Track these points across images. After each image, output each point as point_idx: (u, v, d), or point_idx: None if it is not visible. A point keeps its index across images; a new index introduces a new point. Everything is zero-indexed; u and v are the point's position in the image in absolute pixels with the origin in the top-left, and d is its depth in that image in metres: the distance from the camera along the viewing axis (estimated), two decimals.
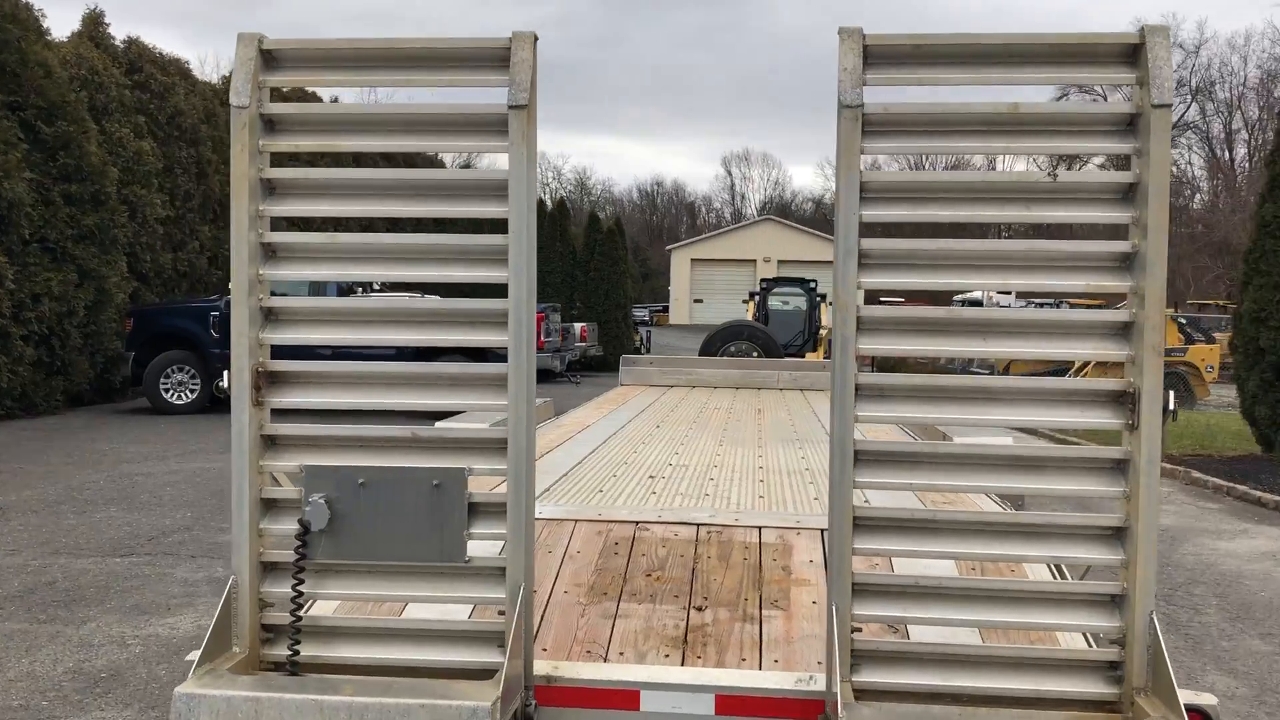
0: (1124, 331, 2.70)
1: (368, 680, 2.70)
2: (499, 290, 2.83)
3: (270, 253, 2.87)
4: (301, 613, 2.83)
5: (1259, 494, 10.90)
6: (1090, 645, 2.98)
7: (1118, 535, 2.72)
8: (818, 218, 73.25)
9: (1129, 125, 2.70)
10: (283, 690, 2.59)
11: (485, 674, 2.84)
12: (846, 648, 2.70)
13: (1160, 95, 2.59)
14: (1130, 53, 2.68)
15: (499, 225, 2.80)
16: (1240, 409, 13.99)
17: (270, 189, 2.86)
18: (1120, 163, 2.74)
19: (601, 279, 33.77)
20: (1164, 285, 2.62)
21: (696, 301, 61.73)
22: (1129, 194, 2.69)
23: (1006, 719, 2.64)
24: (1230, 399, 26.89)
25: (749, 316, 22.51)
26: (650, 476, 4.76)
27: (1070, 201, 2.73)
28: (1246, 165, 54.85)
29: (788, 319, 20.94)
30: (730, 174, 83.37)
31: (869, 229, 2.70)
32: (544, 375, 17.72)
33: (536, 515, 3.08)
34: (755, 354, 14.32)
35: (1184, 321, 28.74)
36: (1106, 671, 2.73)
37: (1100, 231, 2.68)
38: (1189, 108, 57.92)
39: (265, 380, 2.86)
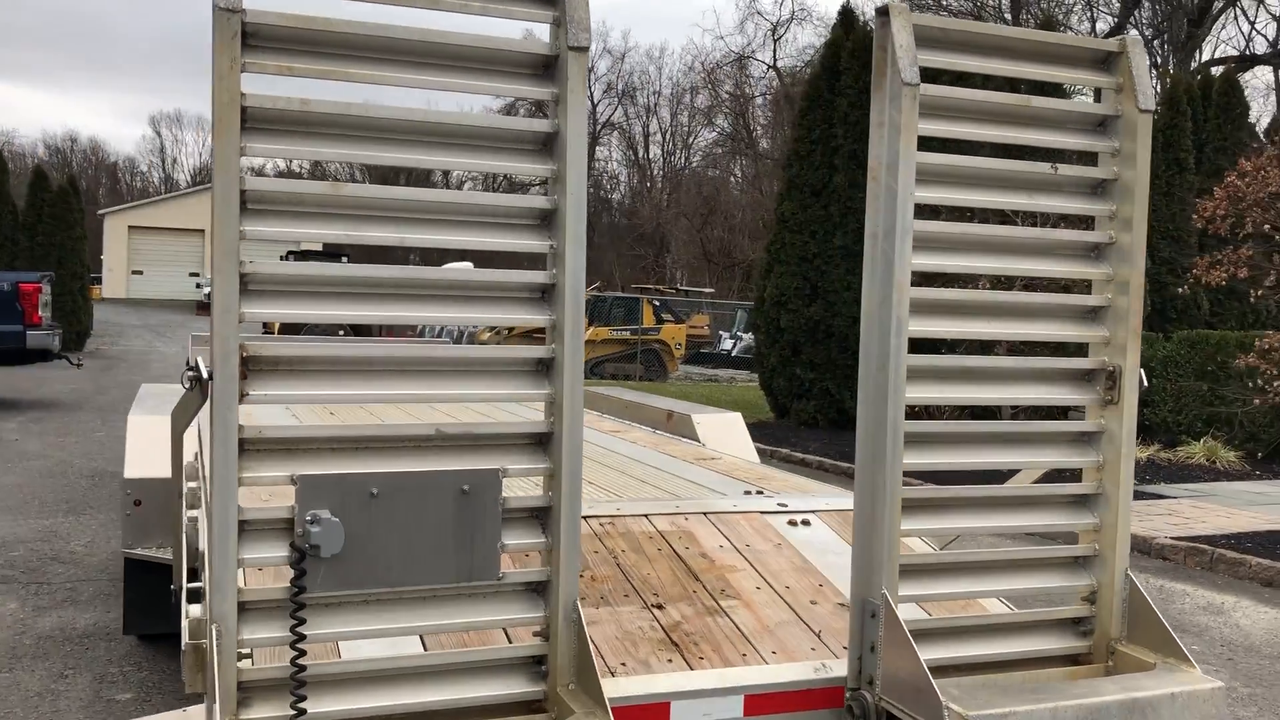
0: (1097, 314, 2.94)
1: None
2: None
3: (247, 204, 2.23)
4: (304, 662, 2.24)
5: (801, 455, 12.35)
6: (1009, 609, 3.22)
7: (1085, 501, 2.97)
8: None
9: (1100, 125, 2.94)
10: None
11: (516, 708, 2.46)
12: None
13: (1145, 102, 2.85)
14: (1105, 59, 2.92)
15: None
16: (759, 382, 15.75)
17: (252, 122, 2.21)
18: (1091, 159, 2.98)
19: (52, 245, 29.76)
20: (1143, 273, 2.90)
21: (136, 273, 56.24)
22: (1102, 189, 2.94)
23: (1017, 680, 2.80)
24: (693, 372, 30.11)
25: None
26: None
27: (1063, 193, 2.92)
28: (661, 163, 61.27)
29: None
30: (160, 136, 75.62)
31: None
32: (40, 355, 15.30)
33: None
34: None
35: (658, 304, 31.70)
36: (1074, 628, 2.97)
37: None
38: (615, 110, 63.24)
39: (247, 368, 2.22)
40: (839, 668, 2.83)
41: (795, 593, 3.25)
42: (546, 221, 2.47)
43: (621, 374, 27.51)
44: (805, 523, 3.73)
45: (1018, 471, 3.36)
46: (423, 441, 2.39)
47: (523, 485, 2.52)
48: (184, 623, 2.84)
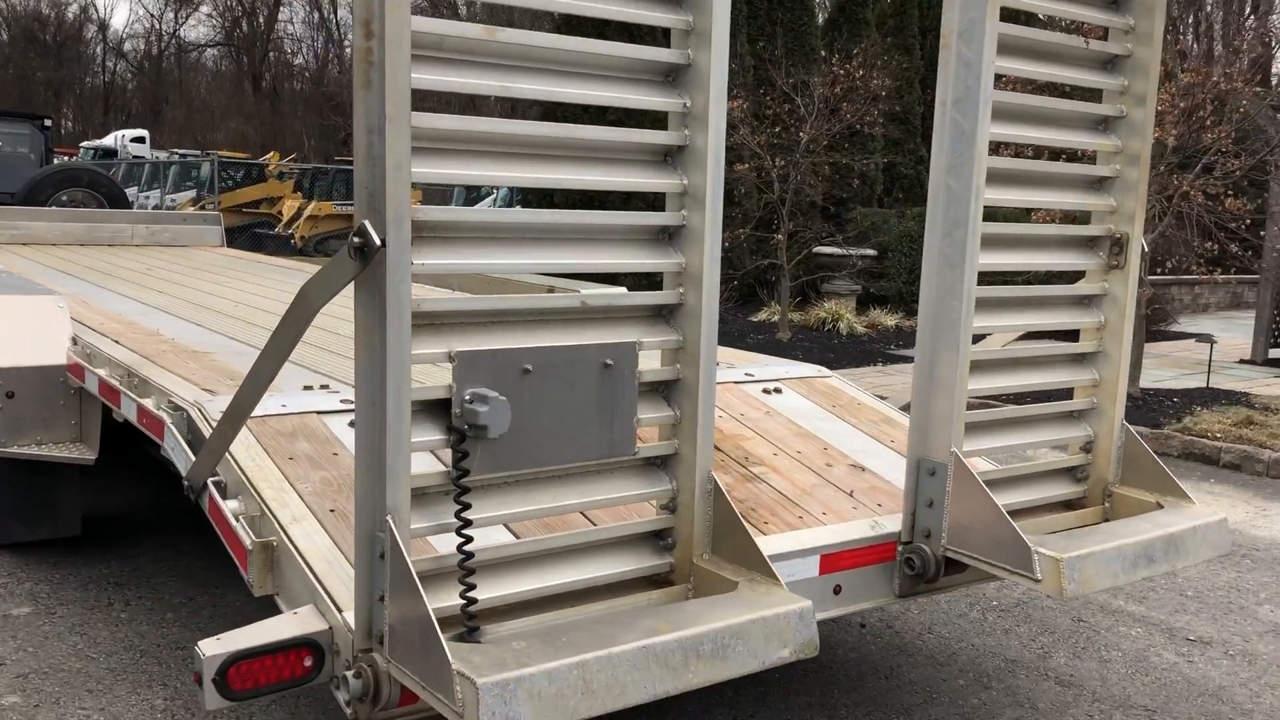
0: (1104, 184, 3.14)
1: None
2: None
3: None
4: (470, 549, 2.10)
5: None
6: (995, 465, 3.46)
7: (1085, 359, 3.21)
8: None
9: (1114, 3, 3.10)
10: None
11: (641, 583, 2.43)
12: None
13: None
14: None
15: None
16: None
17: None
18: (1102, 34, 3.13)
19: None
20: (1150, 146, 3.11)
21: None
22: (1113, 64, 3.10)
23: (1047, 524, 3.03)
24: None
25: None
26: None
27: (1091, 68, 3.06)
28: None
29: (11, 163, 17.50)
30: None
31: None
32: None
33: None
34: (99, 204, 11.90)
35: None
36: (1070, 475, 3.24)
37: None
38: None
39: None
40: (890, 524, 2.96)
41: (809, 457, 3.34)
42: (675, 78, 2.34)
43: None
44: (777, 390, 3.81)
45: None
46: (566, 314, 2.25)
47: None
48: (235, 524, 2.55)
